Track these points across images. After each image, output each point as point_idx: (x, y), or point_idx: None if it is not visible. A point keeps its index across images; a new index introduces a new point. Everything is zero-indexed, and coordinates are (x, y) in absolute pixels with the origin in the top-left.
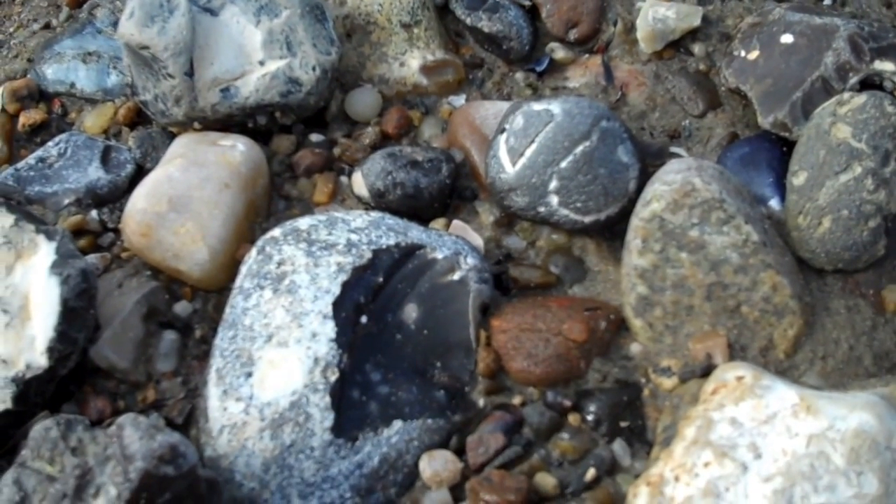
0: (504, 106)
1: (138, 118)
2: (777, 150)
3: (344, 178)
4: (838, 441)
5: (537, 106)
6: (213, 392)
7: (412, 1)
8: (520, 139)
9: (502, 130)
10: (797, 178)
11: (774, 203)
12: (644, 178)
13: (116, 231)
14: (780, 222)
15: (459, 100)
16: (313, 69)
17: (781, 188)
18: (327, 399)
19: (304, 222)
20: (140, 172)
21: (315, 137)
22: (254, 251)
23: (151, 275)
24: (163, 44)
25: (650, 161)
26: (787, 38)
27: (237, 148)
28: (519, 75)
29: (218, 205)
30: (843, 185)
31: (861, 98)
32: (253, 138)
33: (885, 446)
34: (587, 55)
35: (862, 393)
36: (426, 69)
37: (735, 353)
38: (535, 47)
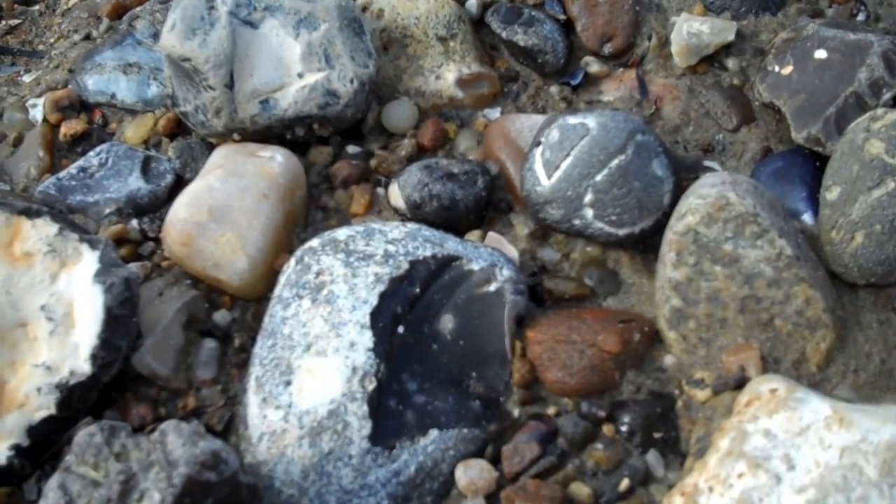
0: (539, 119)
1: (178, 129)
2: (810, 165)
3: (380, 190)
4: (871, 453)
5: (573, 119)
6: (252, 400)
7: (448, 14)
8: (555, 152)
9: (538, 143)
10: (830, 193)
11: (808, 217)
12: (678, 191)
13: (157, 240)
14: (814, 236)
15: (495, 113)
16: (351, 82)
17: (815, 203)
18: (365, 408)
19: (341, 233)
20: (180, 182)
21: (352, 149)
22: (292, 261)
23: (191, 283)
24: (204, 56)
25: (684, 175)
26: (820, 54)
27: (276, 159)
28: (554, 89)
29: (257, 215)
30: (876, 200)
31: (894, 114)
32: (291, 150)
33: None
34: (622, 69)
35: (894, 406)
36: (462, 82)
37: (768, 365)
38: (569, 61)
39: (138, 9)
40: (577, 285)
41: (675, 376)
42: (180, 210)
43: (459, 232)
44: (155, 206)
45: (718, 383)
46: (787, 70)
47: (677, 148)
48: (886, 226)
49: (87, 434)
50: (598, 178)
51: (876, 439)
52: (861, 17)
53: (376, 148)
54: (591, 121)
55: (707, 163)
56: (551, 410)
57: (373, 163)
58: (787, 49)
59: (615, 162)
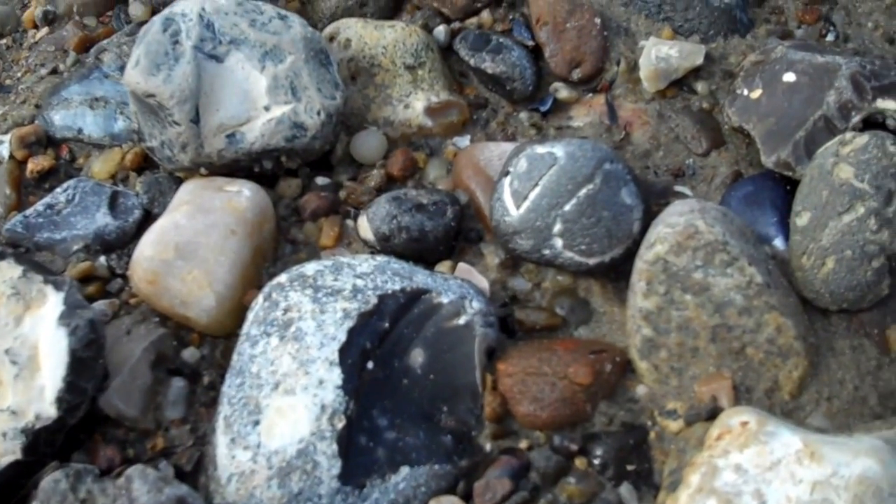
0: (508, 147)
1: (145, 163)
2: (781, 189)
3: (350, 222)
4: (842, 488)
5: (541, 149)
6: (221, 440)
7: (416, 43)
8: (524, 182)
9: (506, 173)
10: (800, 219)
11: (778, 242)
12: (648, 218)
13: (125, 277)
14: (785, 262)
15: (464, 141)
16: (318, 114)
17: (785, 227)
18: (334, 447)
19: (310, 268)
20: (148, 217)
21: (321, 181)
22: (260, 297)
23: (159, 321)
24: (168, 91)
25: (654, 200)
26: (789, 77)
27: (243, 194)
28: (523, 115)
29: (224, 251)
30: (847, 225)
31: (863, 138)
32: (259, 182)
33: (889, 493)
34: (591, 94)
35: (866, 437)
36: (430, 111)
37: (740, 394)
38: (538, 87)
39: (105, 41)
40: (548, 315)
41: (648, 407)
42: (146, 248)
43: (430, 263)
44: (123, 242)
45: (691, 414)
46: (756, 94)
47: (647, 173)
48: (857, 251)
49: (52, 480)
50: (567, 207)
51: (847, 473)
52: (830, 37)
53: (345, 179)
54: (558, 150)
55: (677, 188)
56: (523, 444)
57: (342, 194)
58: (755, 72)
59: (583, 191)
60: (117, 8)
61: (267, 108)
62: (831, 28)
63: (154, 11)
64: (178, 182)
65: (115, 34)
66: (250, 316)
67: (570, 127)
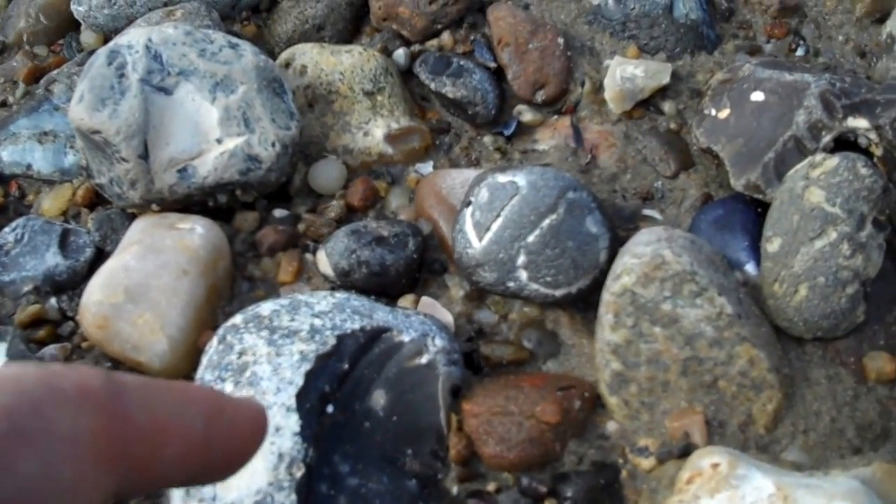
0: (470, 174)
1: (97, 199)
2: (752, 212)
3: (309, 256)
4: None
5: (502, 178)
6: (175, 493)
7: (374, 67)
8: (485, 213)
9: (468, 203)
10: (771, 245)
11: (750, 268)
12: (615, 246)
13: (76, 319)
14: (757, 287)
15: (427, 167)
16: (273, 145)
17: (757, 252)
18: (293, 497)
19: (266, 307)
20: (100, 256)
21: (279, 213)
22: (215, 340)
23: (112, 366)
24: (115, 128)
25: (623, 225)
26: (757, 96)
27: (195, 231)
28: (487, 139)
29: (176, 292)
30: (819, 251)
31: (833, 160)
32: (215, 216)
33: None
34: (556, 116)
35: (842, 478)
36: (391, 137)
37: (713, 429)
38: (502, 110)
39: (55, 72)
40: (515, 349)
41: (619, 444)
42: (95, 292)
43: (392, 297)
44: (74, 283)
45: (663, 451)
46: (724, 113)
47: (615, 197)
48: (830, 277)
49: None
50: (530, 239)
51: None
52: (800, 51)
53: (304, 211)
54: (520, 179)
55: (646, 211)
56: (491, 487)
57: (301, 227)
58: (723, 91)
59: (547, 222)
60: (68, 36)
61: (219, 141)
62: (801, 42)
63: (106, 39)
64: (131, 218)
65: (65, 63)
66: (204, 360)
67: (536, 150)
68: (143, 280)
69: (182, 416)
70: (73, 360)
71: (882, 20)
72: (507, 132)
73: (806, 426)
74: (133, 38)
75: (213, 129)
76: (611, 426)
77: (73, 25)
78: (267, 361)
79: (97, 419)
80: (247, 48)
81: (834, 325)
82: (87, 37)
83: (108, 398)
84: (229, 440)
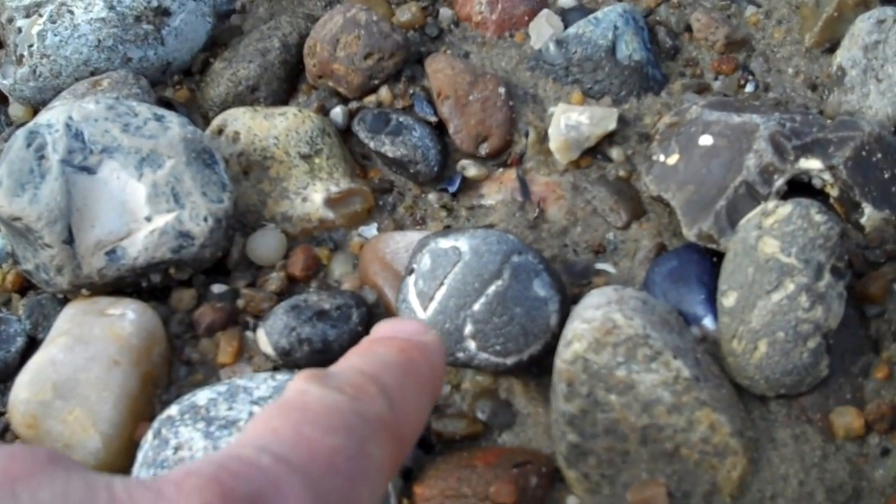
0: (414, 237)
1: (28, 283)
2: (707, 263)
3: (250, 334)
4: None
5: (444, 243)
6: None
7: (310, 129)
8: (429, 282)
9: (411, 271)
10: (727, 299)
11: (708, 322)
12: (566, 307)
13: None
14: (717, 343)
15: (371, 230)
16: (205, 220)
17: (714, 304)
18: None
19: (202, 396)
20: (32, 344)
21: (217, 288)
22: (150, 434)
23: None
24: (36, 213)
25: (576, 281)
26: (706, 140)
27: (126, 317)
28: (432, 196)
29: (108, 385)
30: (777, 304)
31: (786, 208)
32: (152, 295)
33: None
34: (501, 170)
35: None
36: (331, 201)
37: (677, 501)
38: (445, 165)
39: None
40: (468, 423)
41: None
42: (21, 389)
43: None
44: (6, 375)
45: None
46: (673, 159)
47: (566, 252)
48: (790, 332)
49: None
50: (476, 307)
51: None
52: (750, 87)
53: (243, 285)
54: (463, 244)
55: (599, 265)
56: None
57: (240, 303)
58: (671, 135)
59: (492, 289)
60: None
61: (148, 219)
62: (750, 77)
63: (36, 111)
64: (64, 302)
65: None
66: (140, 456)
67: (483, 206)
68: (72, 374)
69: (420, 403)
70: None
71: (832, 50)
72: (452, 189)
73: (774, 491)
74: (52, 116)
75: (141, 207)
76: (571, 501)
77: (1, 98)
78: (204, 455)
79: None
80: (173, 119)
81: (797, 382)
82: (16, 110)
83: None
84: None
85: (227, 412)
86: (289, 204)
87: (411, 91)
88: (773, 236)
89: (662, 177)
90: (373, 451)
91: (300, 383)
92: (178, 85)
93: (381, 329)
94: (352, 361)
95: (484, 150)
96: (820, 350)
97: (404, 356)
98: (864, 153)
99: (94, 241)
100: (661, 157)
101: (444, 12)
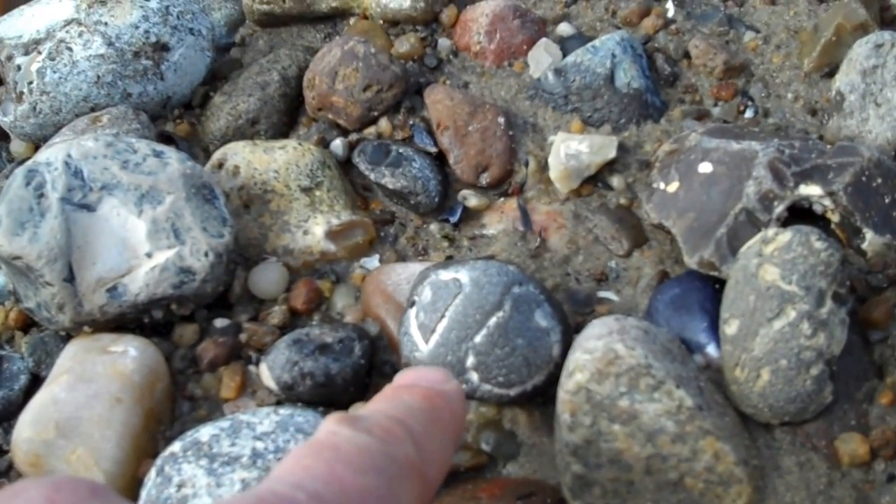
0: (416, 268)
1: (30, 320)
2: (709, 290)
3: (253, 368)
4: None
5: (445, 275)
6: None
7: (310, 162)
8: (430, 314)
9: (412, 303)
10: (729, 327)
11: (712, 350)
12: (569, 337)
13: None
14: (720, 371)
15: (373, 261)
16: (206, 255)
17: (717, 332)
18: None
19: (205, 432)
20: (36, 382)
21: (219, 323)
22: (153, 472)
23: None
24: (35, 252)
25: (579, 310)
26: (705, 168)
27: (129, 354)
28: (434, 227)
29: (110, 423)
30: (779, 332)
31: (786, 235)
32: (154, 331)
33: None
34: (502, 199)
35: None
36: (333, 234)
37: None
38: (446, 195)
39: None
40: (472, 454)
41: None
42: (24, 429)
43: (342, 406)
44: (10, 413)
45: None
46: (673, 187)
47: (569, 281)
48: (793, 359)
49: None
50: (477, 339)
51: None
52: (749, 112)
53: (245, 319)
54: (463, 275)
55: (602, 294)
56: None
57: (243, 337)
58: (671, 163)
59: (493, 320)
60: None
61: (149, 256)
62: (749, 103)
63: (37, 147)
64: (67, 339)
65: None
66: (143, 495)
67: (485, 236)
68: (74, 413)
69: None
70: None
71: (831, 74)
72: (454, 219)
73: None
74: (52, 154)
75: (141, 244)
76: None
77: (2, 135)
78: (207, 493)
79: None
80: (172, 155)
81: (801, 409)
82: (17, 146)
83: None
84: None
85: (229, 448)
86: (290, 237)
87: (411, 122)
88: (773, 264)
89: (663, 204)
90: (401, 491)
91: (331, 425)
92: (178, 119)
93: (406, 377)
94: (379, 406)
95: (484, 179)
96: (823, 377)
97: (428, 403)
98: (863, 178)
99: (95, 279)
100: (662, 185)
101: (443, 42)
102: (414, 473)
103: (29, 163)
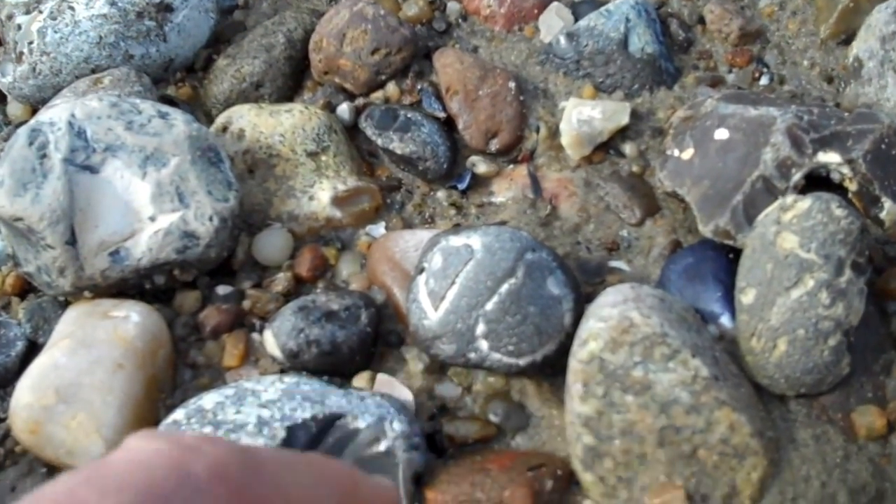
0: (424, 235)
1: (28, 286)
2: (723, 259)
3: (256, 336)
4: None
5: (456, 241)
6: None
7: (317, 126)
8: (440, 281)
9: (421, 270)
10: (745, 296)
11: (726, 320)
12: (580, 306)
13: (8, 422)
14: (734, 341)
15: (378, 229)
16: (210, 219)
17: (731, 302)
18: None
19: (209, 399)
20: (32, 348)
21: (222, 290)
22: None
23: (47, 472)
24: (38, 213)
25: (589, 280)
26: (721, 134)
27: (130, 319)
28: (441, 194)
29: (111, 390)
30: (796, 301)
31: (806, 202)
32: (154, 299)
33: None
34: (512, 166)
35: None
36: (338, 200)
37: (696, 503)
38: (455, 162)
39: None
40: (481, 425)
41: None
42: (24, 394)
43: (347, 376)
44: (5, 381)
45: None
46: (688, 154)
47: (579, 249)
48: (810, 329)
49: None
50: (489, 306)
51: None
52: (765, 79)
53: (249, 286)
54: (475, 241)
55: (613, 263)
56: None
57: (246, 304)
58: (685, 130)
59: (505, 287)
60: None
61: (152, 219)
62: (765, 70)
63: (34, 110)
64: (65, 305)
65: None
66: None
67: (493, 203)
68: (75, 378)
69: (317, 496)
70: (6, 467)
71: (848, 41)
72: (462, 186)
73: (795, 493)
74: (55, 114)
75: (145, 207)
76: None
77: None
78: None
79: None
80: (178, 117)
81: (818, 381)
82: (14, 108)
83: (244, 481)
84: None
85: (234, 416)
86: (295, 202)
87: (419, 86)
88: (792, 231)
89: (677, 172)
90: None
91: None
92: (180, 82)
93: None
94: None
95: (494, 146)
96: (841, 348)
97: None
98: (883, 146)
99: (98, 242)
100: (676, 152)
101: (452, 6)
102: (225, 493)
103: (32, 122)
